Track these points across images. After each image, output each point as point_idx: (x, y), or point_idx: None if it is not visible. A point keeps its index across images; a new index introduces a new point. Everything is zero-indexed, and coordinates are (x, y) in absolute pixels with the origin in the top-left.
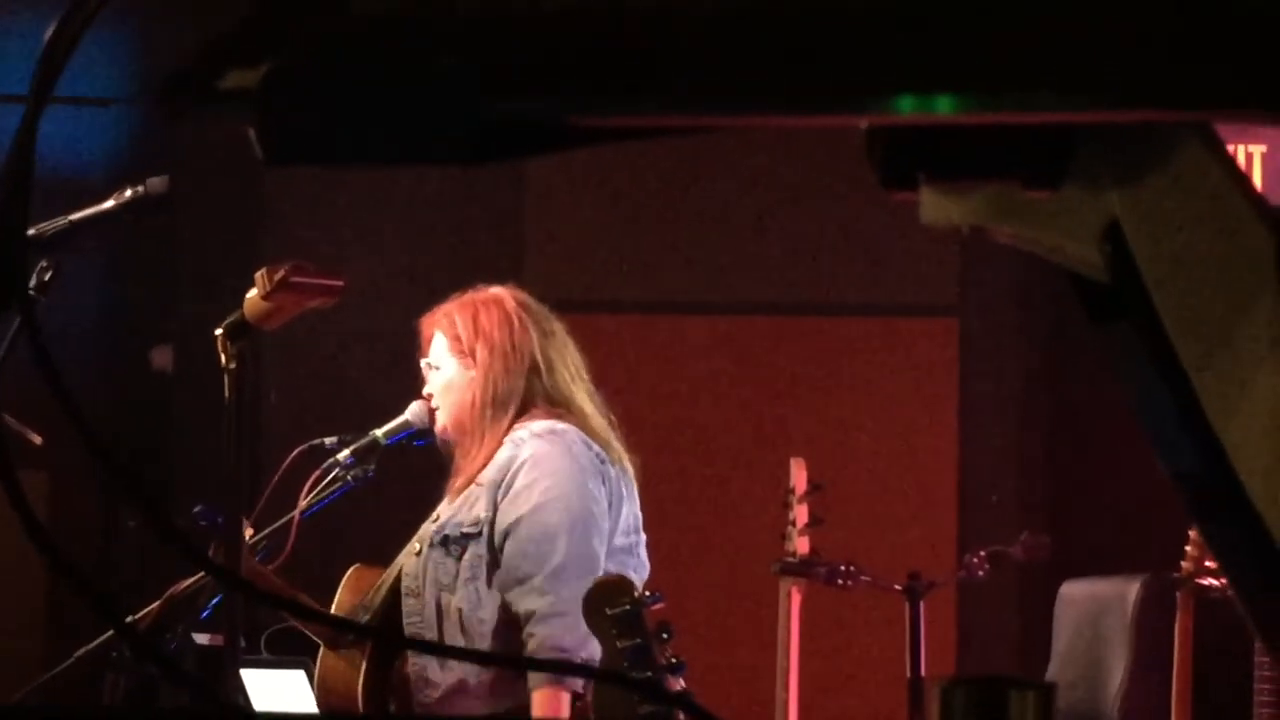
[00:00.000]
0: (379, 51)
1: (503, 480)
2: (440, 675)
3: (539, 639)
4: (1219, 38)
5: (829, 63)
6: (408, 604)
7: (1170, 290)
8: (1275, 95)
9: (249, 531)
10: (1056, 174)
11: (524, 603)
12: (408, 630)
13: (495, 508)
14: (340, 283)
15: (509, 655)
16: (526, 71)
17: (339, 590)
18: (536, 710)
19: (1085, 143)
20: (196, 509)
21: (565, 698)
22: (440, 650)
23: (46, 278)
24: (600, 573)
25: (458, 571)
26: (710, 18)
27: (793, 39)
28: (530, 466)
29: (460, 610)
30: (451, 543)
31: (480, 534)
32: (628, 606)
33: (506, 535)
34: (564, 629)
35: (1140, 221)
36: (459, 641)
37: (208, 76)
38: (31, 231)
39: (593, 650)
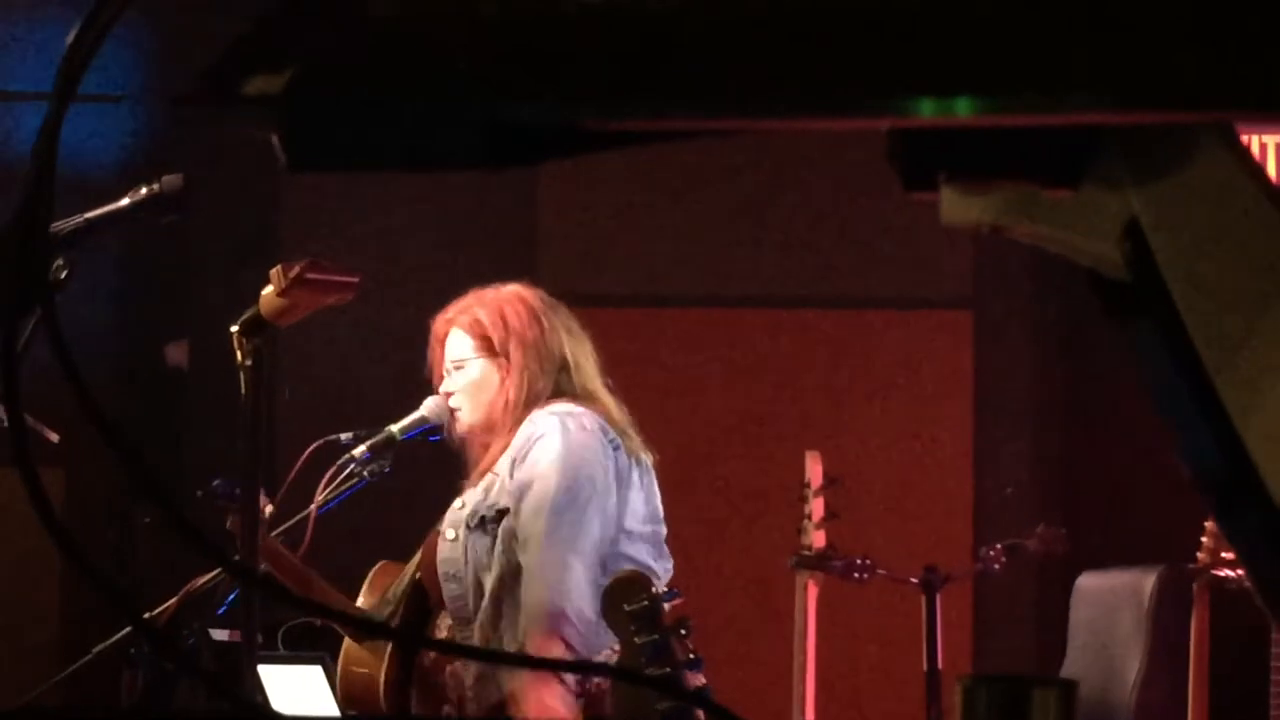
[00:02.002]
0: (398, 58)
1: (516, 456)
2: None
3: (526, 601)
4: (1241, 38)
5: (848, 65)
6: (449, 589)
7: (1190, 287)
8: None
9: (267, 507)
10: (1076, 173)
11: (522, 558)
12: (451, 615)
13: (511, 479)
14: (355, 279)
15: (529, 656)
16: (544, 76)
17: (365, 586)
18: (529, 707)
19: (1104, 141)
20: (215, 482)
21: (557, 692)
22: (459, 650)
23: (62, 276)
24: (596, 537)
25: (492, 548)
26: (728, 21)
27: (812, 42)
28: (543, 444)
29: (496, 585)
30: (488, 523)
31: (508, 509)
32: (645, 602)
33: (517, 506)
34: (548, 589)
35: (1159, 219)
36: (495, 617)
37: (230, 82)
38: None
39: (580, 605)
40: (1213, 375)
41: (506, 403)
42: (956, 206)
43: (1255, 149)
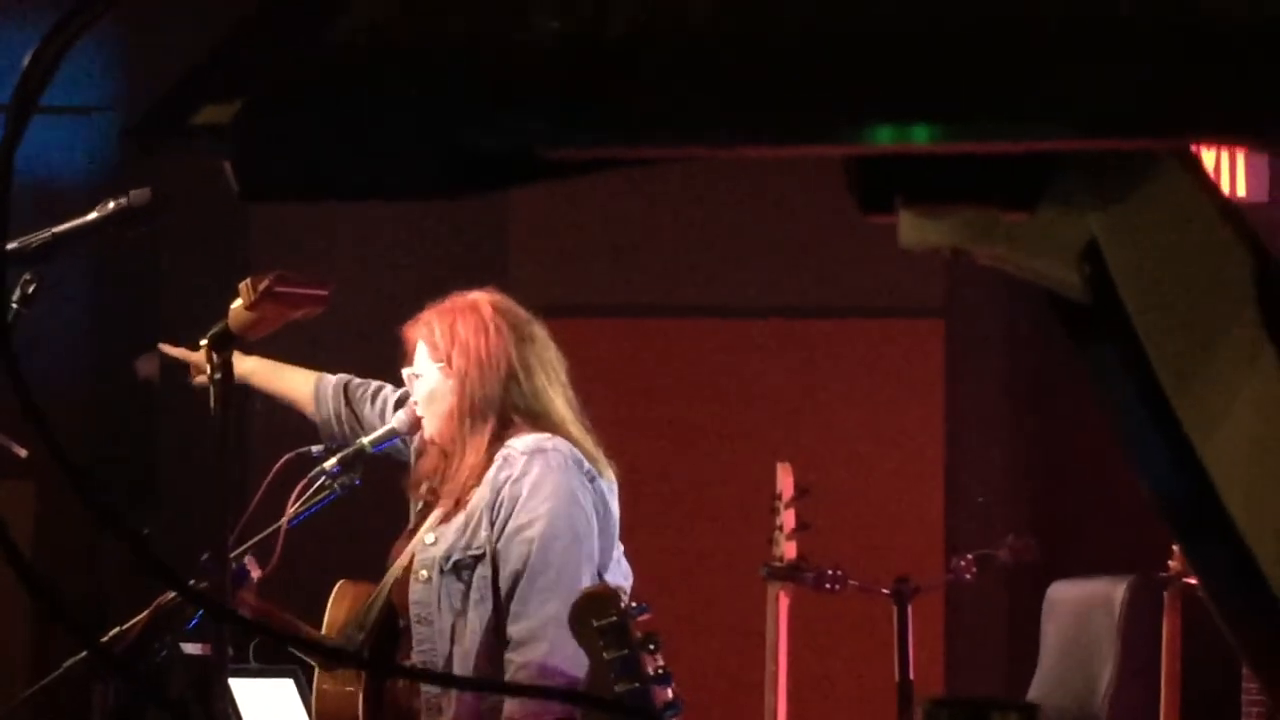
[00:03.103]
0: (353, 85)
1: (496, 500)
2: (451, 702)
3: (515, 665)
4: (1197, 63)
5: (805, 94)
6: (418, 631)
7: (1149, 310)
8: (1255, 120)
9: (256, 572)
10: (1033, 196)
11: (510, 627)
12: (417, 658)
13: (492, 527)
14: (325, 292)
15: (502, 681)
16: (501, 104)
17: (328, 608)
18: None
19: (1063, 164)
20: (204, 558)
21: None
22: (433, 677)
23: (30, 290)
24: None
25: (467, 594)
26: (685, 50)
27: (770, 70)
28: (525, 488)
29: (473, 633)
30: (462, 568)
31: (484, 555)
32: (614, 618)
33: (502, 556)
34: (544, 652)
35: (1118, 242)
36: (469, 666)
37: (182, 111)
38: (15, 244)
39: (579, 670)
40: (1171, 397)
41: (452, 412)
42: (915, 230)
43: (1224, 160)
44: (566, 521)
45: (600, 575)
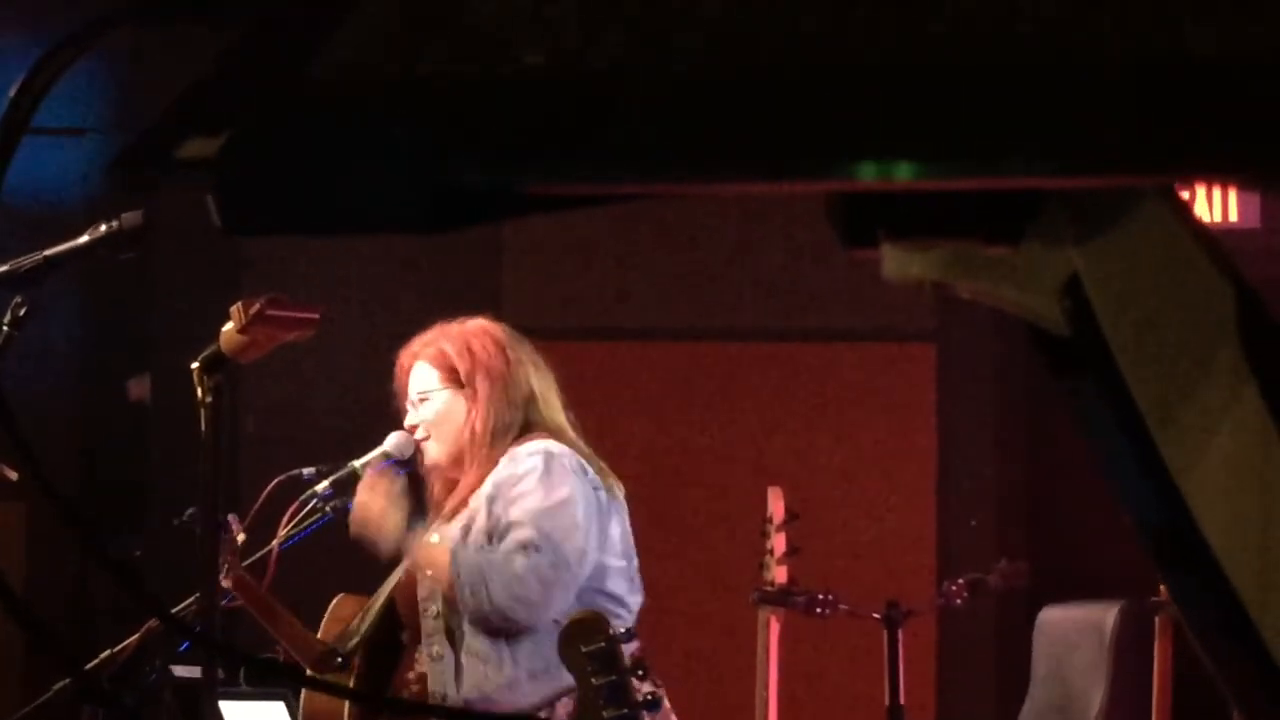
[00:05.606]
0: (336, 120)
1: (498, 495)
2: (457, 696)
3: (510, 542)
4: (1180, 100)
5: (788, 131)
6: (428, 625)
7: (1130, 344)
8: (1237, 157)
9: (240, 535)
10: (1016, 231)
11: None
12: (429, 649)
13: (490, 517)
14: (316, 315)
15: (492, 712)
16: (483, 139)
17: (324, 620)
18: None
19: (1045, 199)
20: (190, 511)
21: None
22: (418, 709)
23: (22, 313)
24: (578, 568)
25: None
26: (668, 86)
27: (753, 106)
28: (529, 484)
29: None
30: None
31: (488, 545)
32: (603, 644)
33: (503, 537)
34: (536, 567)
35: (1100, 275)
36: (474, 656)
37: (166, 145)
38: (6, 267)
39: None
40: (1153, 430)
41: (473, 434)
42: (898, 263)
43: (1216, 185)
44: (568, 511)
45: (593, 579)
